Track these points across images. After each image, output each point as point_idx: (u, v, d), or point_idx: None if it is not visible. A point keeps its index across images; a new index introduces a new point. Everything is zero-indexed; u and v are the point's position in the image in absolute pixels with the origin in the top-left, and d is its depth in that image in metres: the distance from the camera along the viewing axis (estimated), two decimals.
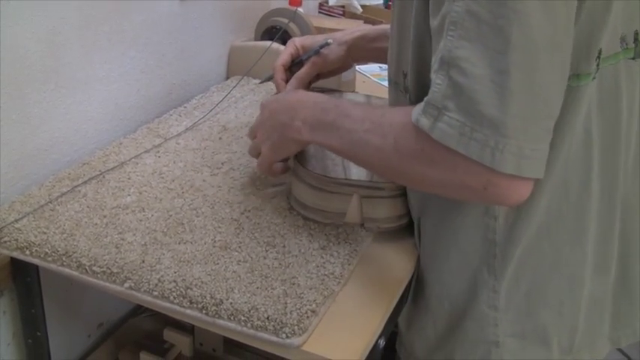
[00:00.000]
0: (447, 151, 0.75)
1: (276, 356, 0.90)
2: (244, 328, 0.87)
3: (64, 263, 0.98)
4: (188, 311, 0.90)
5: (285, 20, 1.71)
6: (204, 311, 0.89)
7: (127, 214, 1.07)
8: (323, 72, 1.28)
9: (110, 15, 1.30)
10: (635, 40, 0.90)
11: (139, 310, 1.49)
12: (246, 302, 0.89)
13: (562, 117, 0.85)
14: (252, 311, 0.87)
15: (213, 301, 0.89)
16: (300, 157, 1.08)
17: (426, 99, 0.78)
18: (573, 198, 0.92)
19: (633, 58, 0.90)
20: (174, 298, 0.91)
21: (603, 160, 0.93)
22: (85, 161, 1.23)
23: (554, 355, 0.99)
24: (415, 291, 1.05)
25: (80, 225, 1.04)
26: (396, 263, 1.03)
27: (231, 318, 0.88)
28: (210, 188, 1.15)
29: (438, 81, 0.76)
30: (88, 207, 1.09)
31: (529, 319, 0.97)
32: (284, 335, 0.85)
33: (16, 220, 1.05)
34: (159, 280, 0.93)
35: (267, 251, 1.00)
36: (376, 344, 0.93)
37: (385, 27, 1.20)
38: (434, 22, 0.80)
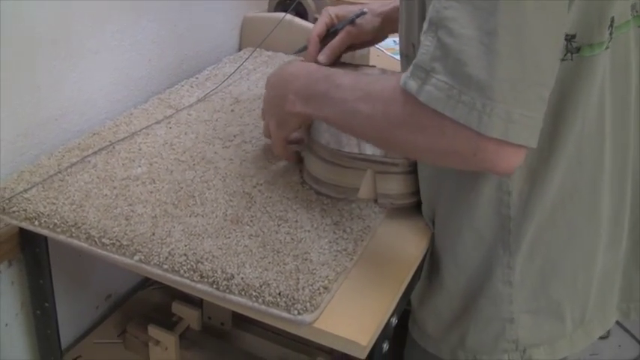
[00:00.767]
0: (435, 115, 0.73)
1: (286, 331, 0.89)
2: (255, 304, 0.86)
3: (73, 234, 0.97)
4: (198, 285, 0.89)
5: None
6: (214, 286, 0.88)
7: (137, 185, 1.06)
8: (356, 43, 1.25)
9: None
10: None
11: (147, 282, 1.48)
12: (257, 277, 0.87)
13: (577, 89, 0.84)
14: (263, 287, 0.86)
15: (224, 275, 0.88)
16: (314, 131, 1.06)
17: (414, 61, 0.75)
18: (587, 172, 0.91)
19: None
20: (185, 271, 0.90)
21: (614, 133, 0.91)
22: (95, 131, 1.21)
23: (567, 329, 0.99)
24: (429, 268, 1.04)
25: (90, 196, 1.03)
26: (410, 240, 1.01)
27: (242, 293, 0.86)
28: (221, 161, 1.14)
29: (426, 42, 0.74)
30: (97, 178, 1.07)
31: (543, 294, 0.96)
32: (296, 312, 0.84)
33: (25, 190, 1.03)
34: (169, 253, 0.92)
35: (279, 226, 0.98)
36: (389, 322, 0.91)
37: None
38: None
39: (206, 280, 0.89)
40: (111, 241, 0.94)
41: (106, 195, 1.03)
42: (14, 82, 1.09)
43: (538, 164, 0.89)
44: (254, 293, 0.86)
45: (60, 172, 1.08)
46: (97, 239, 0.95)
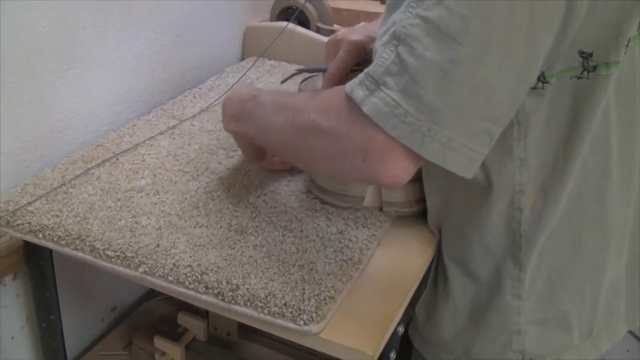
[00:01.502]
0: (369, 126, 0.73)
1: (292, 341, 0.88)
2: (261, 315, 0.85)
3: (78, 247, 0.96)
4: (204, 297, 0.89)
5: (302, 0, 1.68)
6: (220, 297, 0.87)
7: (141, 197, 1.05)
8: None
9: None
10: None
11: (152, 293, 1.48)
12: (263, 288, 0.87)
13: (591, 106, 0.84)
14: (269, 297, 0.85)
15: (229, 286, 0.87)
16: None
17: (366, 70, 0.75)
18: (592, 182, 0.90)
19: None
20: (190, 283, 0.89)
21: (622, 145, 0.91)
22: (98, 143, 1.21)
23: (574, 341, 0.98)
24: (435, 277, 1.03)
25: (94, 208, 1.02)
26: (415, 248, 1.01)
27: (248, 304, 0.86)
28: (225, 171, 1.13)
29: (384, 55, 0.73)
30: (101, 190, 1.07)
31: (550, 305, 0.95)
32: (302, 322, 0.83)
33: (29, 203, 1.03)
34: (174, 264, 0.91)
35: (284, 236, 0.98)
36: (395, 331, 0.91)
37: None
38: None
39: (211, 291, 0.88)
40: (115, 254, 0.94)
41: (110, 207, 1.03)
42: (16, 94, 1.09)
43: (552, 180, 0.88)
44: (260, 304, 0.85)
45: (64, 185, 1.08)
46: (101, 251, 0.95)
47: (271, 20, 1.74)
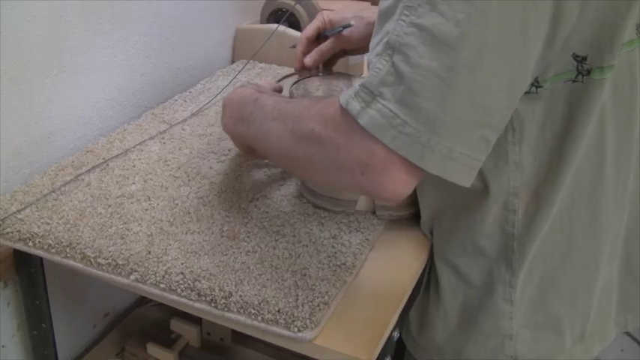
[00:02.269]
0: (366, 138, 0.72)
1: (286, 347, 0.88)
2: (255, 322, 0.84)
3: (68, 255, 0.95)
4: (196, 304, 0.88)
5: (292, 2, 1.67)
6: (212, 304, 0.87)
7: (132, 203, 1.04)
8: (349, 49, 1.24)
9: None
10: None
11: (145, 299, 1.46)
12: (256, 295, 0.86)
13: (585, 110, 0.83)
14: (262, 304, 0.85)
15: (222, 293, 0.86)
16: None
17: (361, 82, 0.74)
18: (586, 187, 0.90)
19: None
20: (182, 290, 0.88)
21: (617, 150, 0.90)
22: (88, 148, 1.20)
23: (566, 344, 0.98)
24: (427, 282, 1.02)
25: (84, 215, 1.01)
26: (409, 252, 1.00)
27: (241, 311, 0.85)
28: (216, 176, 1.12)
29: (378, 65, 0.72)
30: (92, 196, 1.06)
31: (542, 309, 0.95)
32: (296, 329, 0.82)
33: (19, 211, 1.02)
34: (165, 272, 0.90)
35: (276, 241, 0.97)
36: (390, 336, 0.90)
37: None
38: (384, 3, 0.75)
39: (204, 298, 0.87)
40: (106, 261, 0.93)
41: (100, 214, 1.02)
42: (5, 99, 1.08)
43: (545, 183, 0.88)
44: (253, 311, 0.84)
45: (54, 192, 1.07)
46: (92, 259, 0.94)
47: (261, 22, 1.73)
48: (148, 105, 1.42)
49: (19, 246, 0.99)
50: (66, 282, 1.28)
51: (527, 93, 0.81)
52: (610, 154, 0.89)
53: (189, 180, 1.11)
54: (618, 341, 2.10)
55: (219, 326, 1.32)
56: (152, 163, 1.16)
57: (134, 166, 1.14)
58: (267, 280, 0.89)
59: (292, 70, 1.31)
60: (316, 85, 1.20)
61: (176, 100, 1.41)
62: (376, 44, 0.75)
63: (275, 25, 1.62)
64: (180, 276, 0.89)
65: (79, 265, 0.95)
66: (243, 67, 1.53)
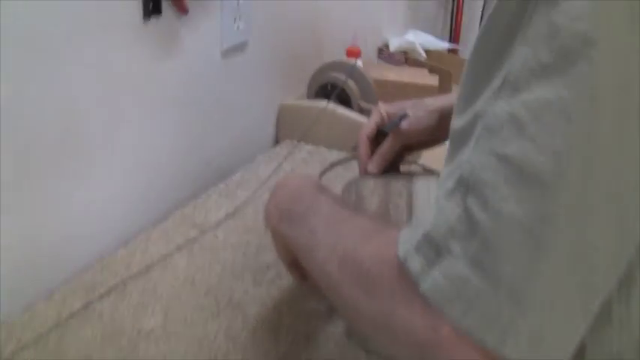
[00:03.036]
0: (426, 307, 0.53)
1: None
2: None
3: None
4: None
5: (342, 76, 1.50)
6: None
7: (148, 343, 0.87)
8: (412, 143, 1.07)
9: (137, 77, 1.10)
10: None
11: None
12: None
13: None
14: None
15: None
16: None
17: (425, 230, 0.55)
18: None
19: None
20: None
21: None
22: (105, 263, 1.03)
23: None
24: None
25: None
26: None
27: None
28: (251, 304, 0.95)
29: (448, 206, 0.53)
30: (102, 333, 0.89)
31: None
32: None
33: (14, 353, 0.85)
34: None
35: None
36: None
37: None
38: (458, 122, 0.57)
39: None
40: None
41: None
42: (13, 204, 0.91)
43: None
44: None
45: (58, 326, 0.90)
46: None
47: (308, 98, 1.56)
48: (178, 198, 1.25)
49: None
50: None
51: None
52: None
53: (218, 310, 0.94)
54: None
55: None
56: (177, 285, 0.99)
57: (155, 291, 0.97)
58: None
59: (343, 155, 1.15)
60: (371, 188, 1.02)
61: (210, 196, 1.24)
62: (447, 177, 0.56)
63: (324, 102, 1.46)
64: None
65: None
66: (288, 154, 1.36)
